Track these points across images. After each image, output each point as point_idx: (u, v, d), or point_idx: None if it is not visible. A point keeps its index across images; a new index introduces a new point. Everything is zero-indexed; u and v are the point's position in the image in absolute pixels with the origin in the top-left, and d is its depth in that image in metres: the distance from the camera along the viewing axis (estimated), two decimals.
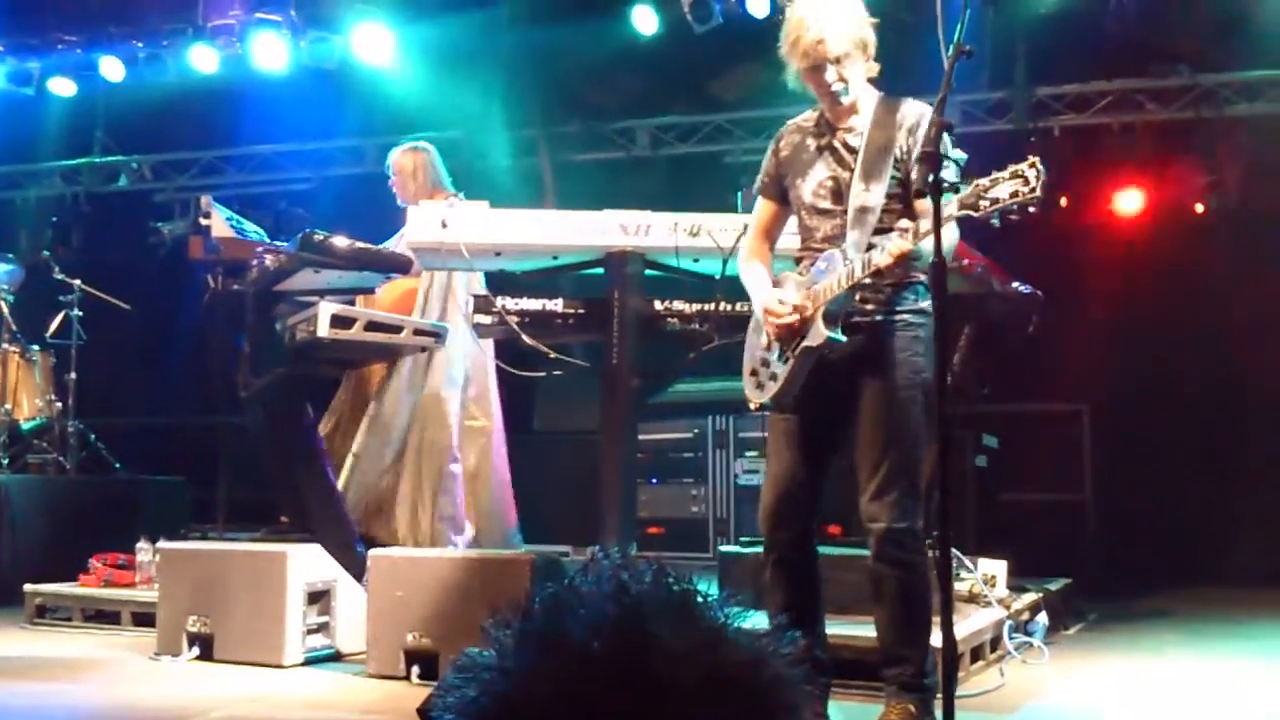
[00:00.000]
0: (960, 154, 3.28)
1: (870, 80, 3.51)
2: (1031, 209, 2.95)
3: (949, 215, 3.05)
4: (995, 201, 2.96)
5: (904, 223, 3.27)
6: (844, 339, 3.36)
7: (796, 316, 3.40)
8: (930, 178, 2.99)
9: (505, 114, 8.84)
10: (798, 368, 3.44)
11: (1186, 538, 7.27)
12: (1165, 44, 7.81)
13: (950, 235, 3.24)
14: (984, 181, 3.00)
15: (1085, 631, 5.72)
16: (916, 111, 3.43)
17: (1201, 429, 7.57)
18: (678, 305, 4.56)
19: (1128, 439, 7.67)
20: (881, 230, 3.33)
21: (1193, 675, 4.67)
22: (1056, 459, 7.72)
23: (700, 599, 0.92)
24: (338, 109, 9.17)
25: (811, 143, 3.55)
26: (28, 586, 6.01)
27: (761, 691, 0.89)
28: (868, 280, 3.32)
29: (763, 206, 3.71)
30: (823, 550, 3.67)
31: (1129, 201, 8.14)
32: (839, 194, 3.46)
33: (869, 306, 3.42)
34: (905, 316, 3.42)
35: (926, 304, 3.44)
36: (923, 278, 3.42)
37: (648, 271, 4.48)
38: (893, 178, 3.39)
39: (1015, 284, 5.88)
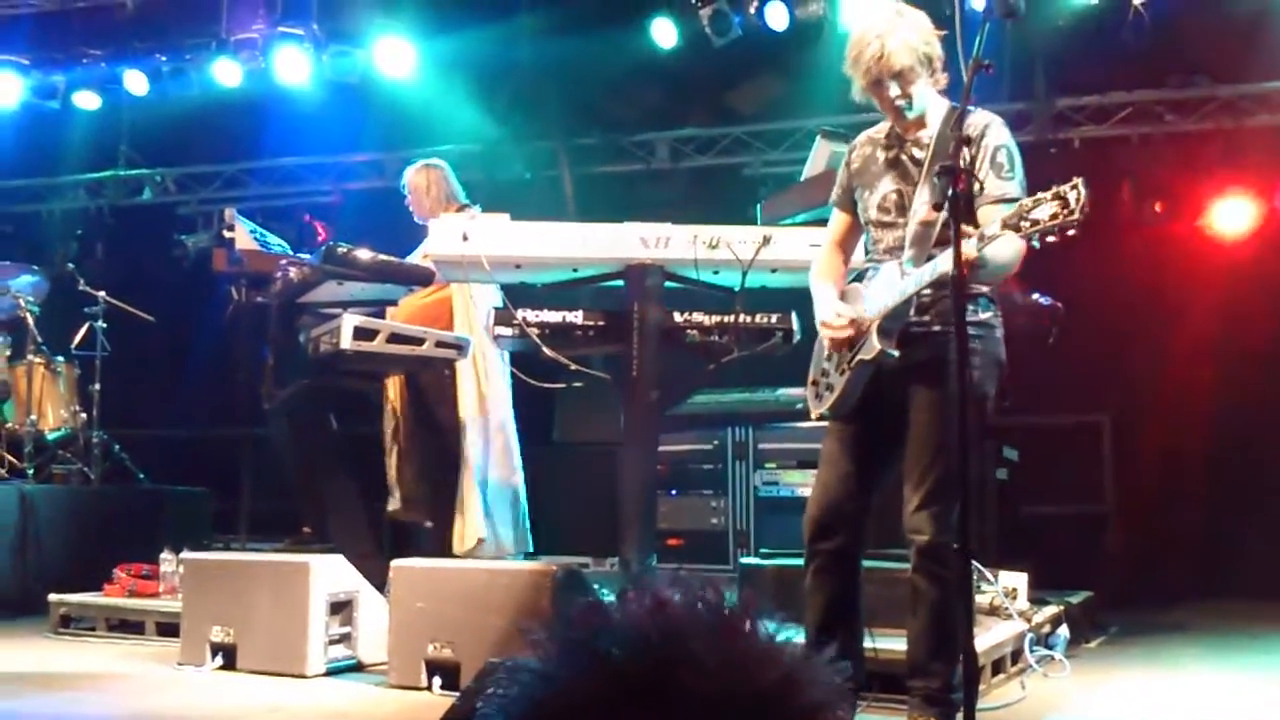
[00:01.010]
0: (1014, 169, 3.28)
1: (942, 92, 3.49)
2: (1071, 233, 2.89)
3: (992, 235, 3.05)
4: (1035, 223, 2.92)
5: (968, 230, 3.24)
6: (896, 353, 3.35)
7: (851, 329, 3.42)
8: (950, 191, 3.00)
9: (525, 127, 8.89)
10: (854, 379, 3.45)
11: (1207, 551, 7.23)
12: (1184, 55, 7.79)
13: (1010, 248, 3.18)
14: (1027, 201, 2.97)
15: (1106, 644, 5.69)
16: (982, 121, 3.40)
17: (1222, 441, 7.53)
18: (697, 317, 4.58)
19: (1148, 451, 7.63)
20: (943, 242, 3.30)
21: (1213, 689, 4.65)
22: (1077, 471, 7.68)
23: (737, 614, 0.93)
24: (360, 122, 9.23)
25: (881, 155, 3.56)
26: (52, 596, 6.05)
27: (796, 711, 0.90)
28: (927, 292, 3.31)
29: (836, 219, 3.73)
30: None
31: (1150, 213, 8.11)
32: (903, 207, 3.46)
33: (927, 317, 3.41)
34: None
35: (986, 316, 3.44)
36: (985, 289, 3.42)
37: (667, 284, 4.50)
38: None
39: (1035, 295, 5.87)
